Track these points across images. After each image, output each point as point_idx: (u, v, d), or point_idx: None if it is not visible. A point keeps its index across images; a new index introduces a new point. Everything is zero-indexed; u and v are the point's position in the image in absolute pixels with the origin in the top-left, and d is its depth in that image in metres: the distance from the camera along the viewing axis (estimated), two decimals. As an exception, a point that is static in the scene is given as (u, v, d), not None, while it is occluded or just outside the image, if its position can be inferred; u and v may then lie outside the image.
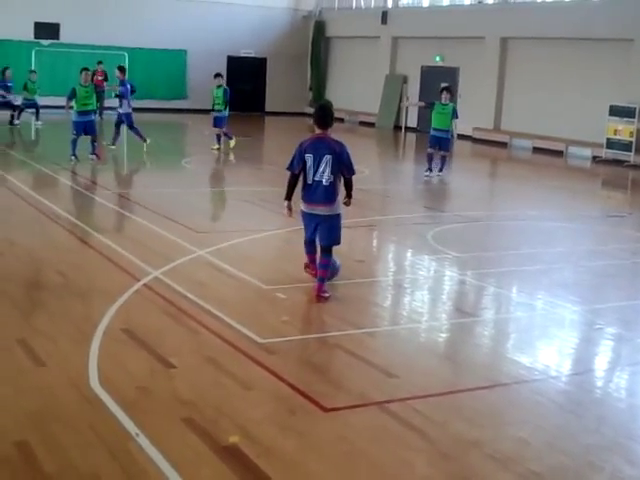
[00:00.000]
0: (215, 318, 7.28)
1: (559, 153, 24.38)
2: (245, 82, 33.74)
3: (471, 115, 27.06)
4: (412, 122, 29.54)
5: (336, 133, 8.49)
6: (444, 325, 7.84)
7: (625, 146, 22.30)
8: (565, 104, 24.46)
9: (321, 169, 7.88)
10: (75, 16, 29.51)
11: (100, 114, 24.01)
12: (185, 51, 32.03)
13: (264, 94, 34.82)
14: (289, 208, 8.23)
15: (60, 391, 5.59)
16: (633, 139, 22.06)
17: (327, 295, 8.09)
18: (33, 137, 23.00)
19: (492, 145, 26.20)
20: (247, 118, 32.18)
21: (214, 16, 32.12)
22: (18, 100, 24.18)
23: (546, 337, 7.58)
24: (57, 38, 29.65)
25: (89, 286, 8.21)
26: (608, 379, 6.73)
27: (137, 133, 19.34)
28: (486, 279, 9.40)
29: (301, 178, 8.08)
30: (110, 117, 26.88)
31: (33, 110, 23.97)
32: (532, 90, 25.61)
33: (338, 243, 8.22)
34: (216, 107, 20.12)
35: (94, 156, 17.25)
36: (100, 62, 26.33)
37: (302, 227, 8.44)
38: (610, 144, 22.66)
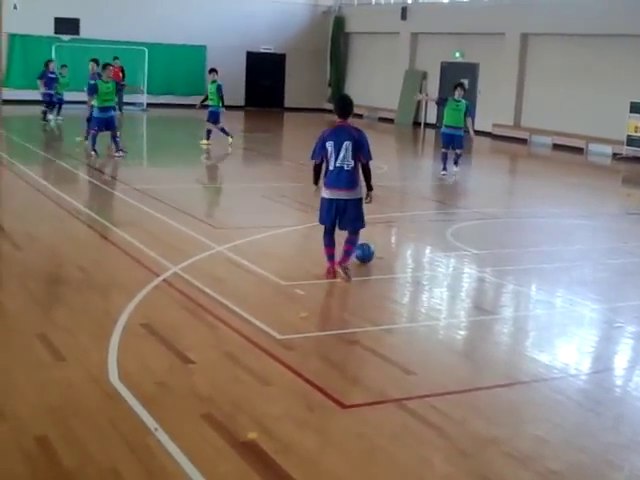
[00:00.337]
0: (234, 314, 7.30)
1: (579, 150, 24.22)
2: (264, 78, 33.78)
3: (491, 111, 27.02)
4: (431, 118, 29.44)
5: (355, 129, 8.60)
6: (463, 322, 7.82)
7: (646, 143, 22.14)
8: (585, 101, 24.28)
9: (342, 155, 8.29)
10: (95, 12, 29.65)
11: (120, 109, 24.00)
12: (205, 47, 32.04)
13: (283, 90, 34.80)
14: (319, 188, 8.67)
15: (80, 386, 5.62)
16: (654, 136, 21.91)
17: (348, 270, 8.41)
18: (56, 132, 22.99)
19: (512, 142, 26.07)
20: (266, 114, 32.22)
21: (234, 12, 32.14)
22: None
23: (565, 335, 7.55)
24: (77, 33, 29.83)
25: (109, 281, 8.26)
26: (628, 378, 6.69)
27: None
28: (505, 276, 9.37)
29: (324, 166, 8.48)
30: (130, 112, 27.21)
31: (57, 105, 23.80)
32: (552, 86, 25.44)
33: (363, 226, 8.67)
34: (210, 102, 19.98)
35: (120, 152, 17.15)
36: (116, 58, 26.34)
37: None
38: (631, 141, 22.46)
